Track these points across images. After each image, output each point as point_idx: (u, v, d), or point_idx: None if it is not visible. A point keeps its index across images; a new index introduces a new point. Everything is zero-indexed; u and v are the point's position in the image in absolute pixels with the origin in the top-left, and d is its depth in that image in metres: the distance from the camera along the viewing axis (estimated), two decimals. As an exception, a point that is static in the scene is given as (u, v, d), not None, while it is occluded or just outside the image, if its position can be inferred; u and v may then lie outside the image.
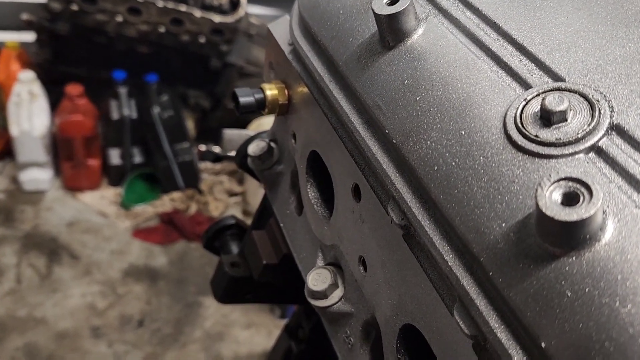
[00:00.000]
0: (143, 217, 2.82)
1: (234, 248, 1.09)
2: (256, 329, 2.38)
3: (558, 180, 0.38)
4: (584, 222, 0.36)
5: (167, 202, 2.87)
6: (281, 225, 0.85)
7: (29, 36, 2.99)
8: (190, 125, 3.06)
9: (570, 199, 0.37)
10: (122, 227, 2.77)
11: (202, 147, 3.08)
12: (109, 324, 2.34)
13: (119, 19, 2.78)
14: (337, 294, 0.68)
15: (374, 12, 0.54)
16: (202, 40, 2.85)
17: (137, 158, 2.96)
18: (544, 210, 0.36)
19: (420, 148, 0.50)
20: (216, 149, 3.06)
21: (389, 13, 0.53)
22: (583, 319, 0.36)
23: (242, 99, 0.76)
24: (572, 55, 0.47)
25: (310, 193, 0.74)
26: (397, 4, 0.53)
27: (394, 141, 0.52)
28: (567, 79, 0.46)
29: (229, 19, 2.82)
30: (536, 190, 0.37)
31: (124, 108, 2.89)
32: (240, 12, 2.85)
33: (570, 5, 0.51)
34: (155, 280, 2.54)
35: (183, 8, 2.76)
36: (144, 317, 2.38)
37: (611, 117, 0.42)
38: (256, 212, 1.02)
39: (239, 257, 1.02)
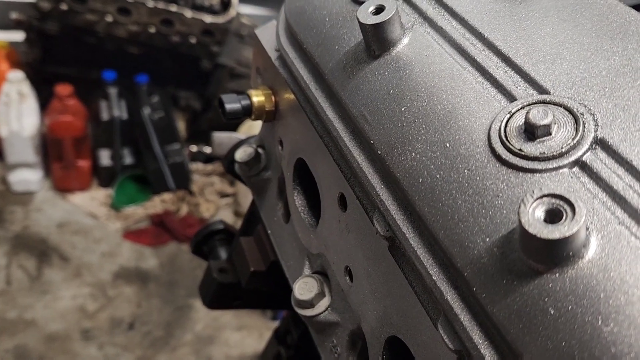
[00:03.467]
0: (133, 219, 2.81)
1: (223, 253, 1.09)
2: (247, 331, 2.38)
3: (541, 197, 0.37)
4: (567, 240, 0.36)
5: (157, 204, 2.86)
6: (269, 232, 0.85)
7: (18, 35, 2.97)
8: (181, 126, 3.05)
9: (553, 216, 0.37)
10: (112, 229, 2.76)
11: (193, 148, 3.07)
12: (99, 327, 2.33)
13: (109, 19, 2.76)
14: (324, 303, 0.67)
15: (359, 22, 0.53)
16: (192, 41, 2.83)
17: (128, 159, 2.95)
18: (526, 227, 0.36)
19: (405, 160, 0.49)
20: (207, 150, 3.05)
21: (374, 22, 0.53)
22: (566, 337, 0.36)
23: (228, 106, 0.75)
24: (557, 68, 0.47)
25: (297, 201, 0.74)
26: (383, 13, 0.53)
27: (379, 152, 0.52)
28: (552, 92, 0.45)
29: (219, 20, 2.81)
30: (519, 206, 0.37)
31: (114, 109, 2.87)
32: (232, 13, 2.84)
33: (555, 16, 0.50)
34: (145, 283, 2.53)
35: (173, 8, 2.75)
36: (134, 320, 2.36)
37: (595, 131, 0.42)
38: (244, 218, 1.01)
39: (228, 263, 1.01)
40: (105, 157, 2.94)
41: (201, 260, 1.13)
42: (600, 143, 0.41)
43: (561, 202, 0.37)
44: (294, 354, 1.07)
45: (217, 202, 2.92)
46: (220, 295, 1.00)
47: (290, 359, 1.08)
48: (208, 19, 2.79)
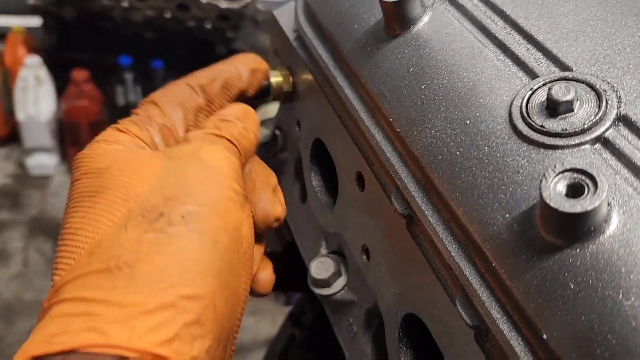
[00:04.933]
0: (149, 203, 2.83)
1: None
2: (260, 316, 2.40)
3: (563, 172, 0.37)
4: (588, 214, 0.36)
5: (172, 188, 2.88)
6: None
7: (35, 21, 2.99)
8: (196, 111, 3.05)
9: (575, 191, 0.37)
10: (127, 213, 2.79)
11: (208, 134, 3.08)
12: (114, 309, 2.36)
13: (125, 4, 2.77)
14: (340, 282, 0.68)
15: (380, 0, 0.53)
16: (208, 26, 2.84)
17: (143, 144, 2.96)
18: (547, 201, 0.36)
19: (425, 137, 0.49)
20: (222, 136, 3.06)
21: (394, 0, 0.53)
22: (586, 311, 0.36)
23: (247, 86, 0.75)
24: (580, 45, 0.46)
25: (314, 181, 0.74)
26: (403, -10, 0.53)
27: (398, 130, 0.52)
28: (574, 69, 0.45)
29: (235, 5, 2.81)
30: (540, 181, 0.37)
31: (129, 94, 2.89)
32: (247, -2, 2.84)
33: (579, -7, 0.50)
34: (160, 266, 2.56)
35: (189, -7, 2.76)
36: (149, 303, 2.39)
37: (618, 107, 0.41)
38: (260, 200, 1.02)
39: (243, 244, 1.02)
40: (120, 142, 2.96)
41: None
42: (623, 120, 0.41)
43: (583, 177, 0.37)
44: (309, 335, 1.08)
45: (231, 187, 2.93)
46: (236, 276, 1.01)
47: (305, 341, 1.09)
48: (223, 4, 2.79)
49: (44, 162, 2.94)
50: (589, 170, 0.36)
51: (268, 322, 2.37)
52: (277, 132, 0.86)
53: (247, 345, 2.28)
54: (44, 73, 2.87)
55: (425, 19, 0.55)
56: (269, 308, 2.42)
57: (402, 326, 0.56)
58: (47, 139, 2.89)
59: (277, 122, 0.87)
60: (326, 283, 0.68)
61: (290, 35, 0.76)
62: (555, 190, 0.37)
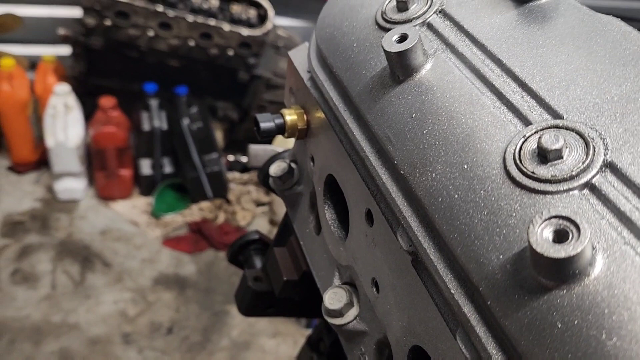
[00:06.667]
0: (172, 226, 2.89)
1: (258, 262, 1.13)
2: (282, 338, 2.42)
3: (549, 218, 0.40)
4: (573, 259, 0.38)
5: (196, 212, 2.93)
6: (301, 243, 0.88)
7: (65, 50, 3.10)
8: (218, 136, 3.12)
9: (560, 236, 0.39)
10: (152, 236, 2.84)
11: (230, 158, 3.14)
12: (139, 331, 2.41)
13: (151, 33, 2.86)
14: (353, 312, 0.71)
15: (384, 49, 0.57)
16: (230, 53, 2.91)
17: (167, 168, 3.03)
18: (534, 247, 0.39)
19: (426, 180, 0.52)
20: (244, 160, 3.12)
21: (397, 50, 0.56)
22: (572, 350, 0.38)
23: (263, 124, 0.79)
24: (570, 93, 0.49)
25: (328, 215, 0.77)
26: (406, 41, 0.56)
27: (402, 172, 0.55)
28: (565, 117, 0.48)
29: (256, 32, 2.88)
30: (528, 227, 0.40)
31: (154, 120, 2.96)
32: (268, 25, 2.91)
33: (571, 44, 0.53)
34: (184, 289, 2.60)
35: (212, 22, 2.83)
36: (173, 325, 2.44)
37: (605, 155, 0.44)
38: (278, 229, 1.05)
39: (262, 271, 1.05)
40: (146, 167, 3.04)
41: (237, 267, 1.17)
42: (610, 166, 0.44)
43: (568, 223, 0.39)
44: (326, 361, 1.10)
45: (253, 210, 2.98)
46: (255, 303, 1.04)
47: (322, 366, 1.11)
48: (245, 32, 2.86)
49: (71, 186, 3.02)
50: (573, 218, 0.39)
51: (289, 344, 2.40)
52: (293, 165, 0.89)
53: (269, 368, 2.31)
54: (72, 100, 2.96)
55: (428, 66, 0.58)
56: (290, 330, 2.44)
57: (409, 357, 0.59)
58: (75, 164, 2.97)
59: (293, 155, 0.91)
60: (339, 313, 0.71)
61: (304, 75, 0.80)
62: (542, 235, 0.39)
